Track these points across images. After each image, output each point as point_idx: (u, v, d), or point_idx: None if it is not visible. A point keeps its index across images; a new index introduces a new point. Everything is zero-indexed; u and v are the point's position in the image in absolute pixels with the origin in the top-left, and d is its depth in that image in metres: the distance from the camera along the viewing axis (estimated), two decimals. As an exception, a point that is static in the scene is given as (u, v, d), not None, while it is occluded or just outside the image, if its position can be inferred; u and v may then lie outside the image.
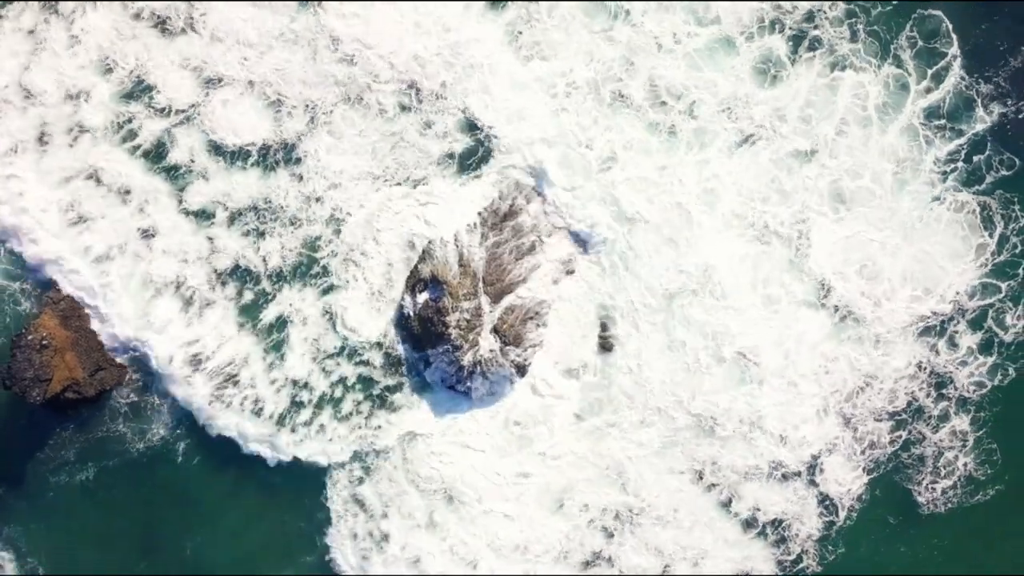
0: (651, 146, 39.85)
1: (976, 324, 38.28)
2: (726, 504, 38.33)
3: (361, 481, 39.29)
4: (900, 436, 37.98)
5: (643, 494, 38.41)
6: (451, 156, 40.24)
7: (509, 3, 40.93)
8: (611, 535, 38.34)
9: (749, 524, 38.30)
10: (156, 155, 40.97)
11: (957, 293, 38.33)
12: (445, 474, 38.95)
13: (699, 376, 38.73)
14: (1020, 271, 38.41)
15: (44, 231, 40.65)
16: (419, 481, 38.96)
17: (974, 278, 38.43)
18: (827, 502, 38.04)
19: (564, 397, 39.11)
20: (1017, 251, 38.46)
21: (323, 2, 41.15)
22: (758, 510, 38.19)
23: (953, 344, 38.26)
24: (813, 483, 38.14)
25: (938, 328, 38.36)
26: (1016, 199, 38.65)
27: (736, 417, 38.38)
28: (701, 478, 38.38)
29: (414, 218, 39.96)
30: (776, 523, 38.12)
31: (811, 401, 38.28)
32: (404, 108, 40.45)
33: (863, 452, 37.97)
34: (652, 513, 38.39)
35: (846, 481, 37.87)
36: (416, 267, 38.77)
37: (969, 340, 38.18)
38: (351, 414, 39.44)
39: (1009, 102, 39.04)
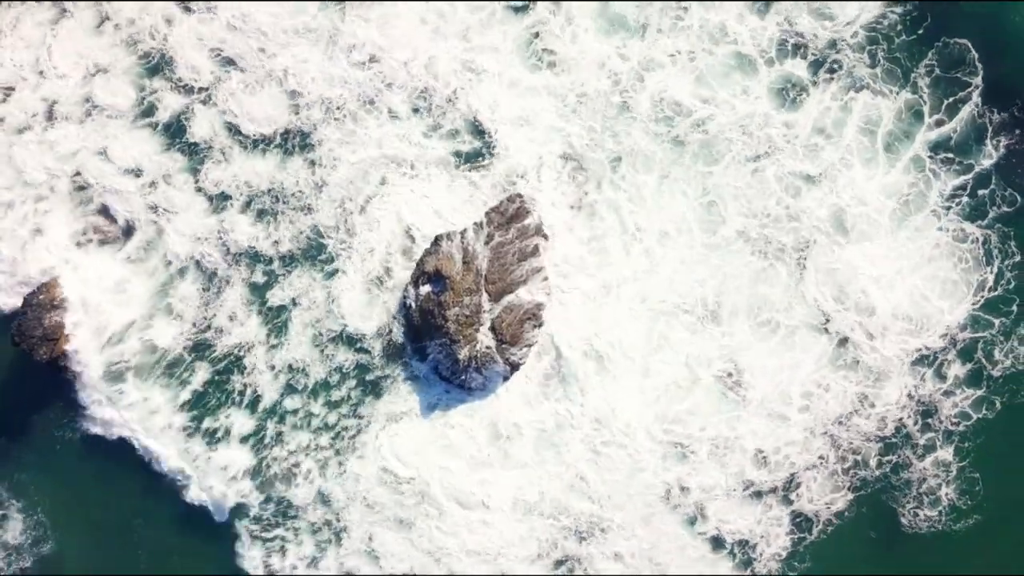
0: (655, 156, 40.21)
1: (966, 356, 38.17)
2: (693, 521, 38.18)
3: (333, 473, 39.55)
4: (890, 460, 37.85)
5: (611, 509, 38.33)
6: (459, 155, 40.94)
7: (530, 8, 41.46)
8: (583, 539, 38.35)
9: (717, 542, 38.14)
10: (173, 133, 41.99)
11: (948, 327, 38.24)
12: (419, 469, 39.12)
13: (684, 395, 38.81)
14: (1014, 307, 38.23)
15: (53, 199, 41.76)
16: (391, 475, 39.15)
17: (967, 312, 38.32)
18: (800, 518, 37.89)
19: (548, 403, 39.30)
20: (1011, 287, 38.29)
21: (346, 2, 41.81)
22: (724, 525, 37.94)
23: (941, 375, 38.14)
24: (788, 500, 37.97)
25: (930, 358, 38.24)
26: (1013, 234, 38.54)
27: (717, 437, 38.35)
28: (668, 499, 38.26)
29: (418, 213, 40.62)
30: (744, 543, 37.97)
31: (798, 423, 38.22)
32: (416, 111, 41.29)
33: (847, 471, 37.87)
34: (618, 528, 38.24)
35: (824, 499, 37.76)
36: (422, 260, 39.40)
37: (957, 371, 38.05)
38: (342, 401, 39.96)
39: (1017, 132, 38.95)
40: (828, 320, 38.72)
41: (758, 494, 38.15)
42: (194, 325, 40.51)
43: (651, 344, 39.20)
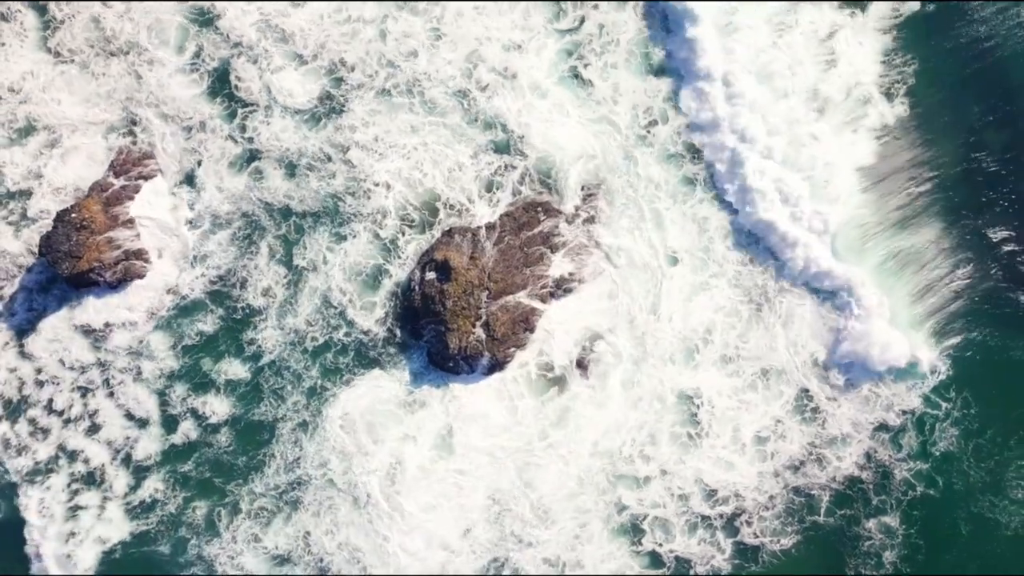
0: (662, 189, 41.38)
1: (920, 429, 38.52)
2: (630, 538, 38.79)
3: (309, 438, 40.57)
4: (843, 513, 38.10)
5: (550, 521, 38.99)
6: (481, 148, 42.27)
7: (575, 31, 43.02)
8: (520, 542, 38.96)
9: (656, 559, 38.72)
10: (217, 83, 43.91)
11: (905, 408, 38.70)
12: (382, 454, 39.84)
13: (645, 425, 39.52)
14: (952, 393, 38.50)
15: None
16: (347, 456, 39.94)
17: (922, 392, 38.84)
18: (744, 548, 38.27)
19: (518, 407, 40.09)
20: (953, 374, 38.53)
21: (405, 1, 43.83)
22: (663, 545, 38.46)
23: (897, 444, 38.54)
24: (733, 529, 38.42)
25: (889, 428, 38.69)
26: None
27: (668, 468, 39.05)
28: (608, 521, 38.83)
29: (435, 191, 42.10)
30: (680, 559, 38.43)
31: (750, 465, 38.84)
32: (448, 103, 42.79)
33: (794, 514, 38.34)
34: (552, 541, 38.84)
35: (769, 536, 38.16)
36: (432, 247, 40.63)
37: (912, 442, 38.37)
38: (331, 370, 41.02)
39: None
40: (792, 373, 39.35)
41: (704, 517, 38.62)
42: (222, 278, 42.34)
43: (624, 371, 39.99)
